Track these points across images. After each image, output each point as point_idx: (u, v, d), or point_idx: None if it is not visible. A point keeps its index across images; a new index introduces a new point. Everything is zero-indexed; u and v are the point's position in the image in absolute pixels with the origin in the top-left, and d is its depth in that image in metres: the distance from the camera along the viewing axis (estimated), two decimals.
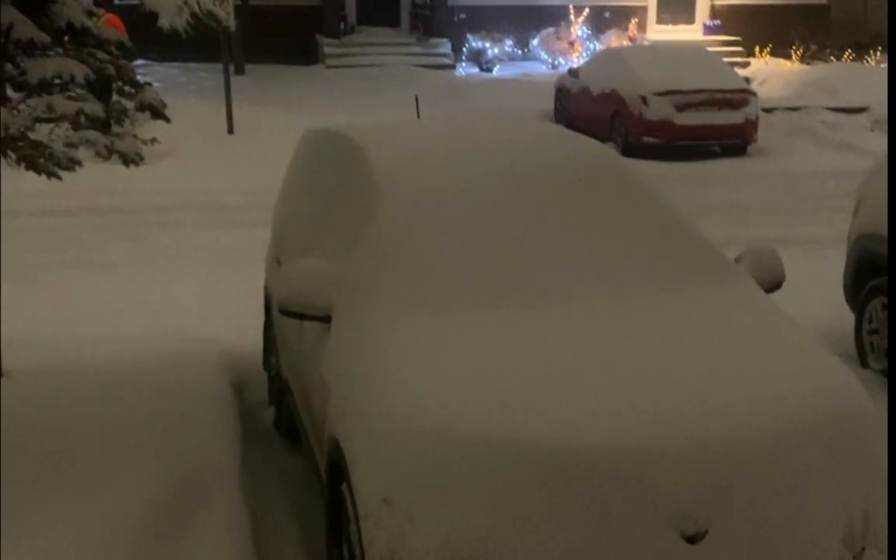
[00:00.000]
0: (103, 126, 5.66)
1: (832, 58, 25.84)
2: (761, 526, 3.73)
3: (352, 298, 4.59)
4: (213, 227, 12.01)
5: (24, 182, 6.86)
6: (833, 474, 3.90)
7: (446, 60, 24.68)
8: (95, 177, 7.84)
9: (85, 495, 4.99)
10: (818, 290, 8.36)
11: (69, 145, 5.72)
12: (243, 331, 7.67)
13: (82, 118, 5.57)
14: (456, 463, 3.66)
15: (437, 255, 4.69)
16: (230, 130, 16.96)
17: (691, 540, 3.63)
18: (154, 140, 6.21)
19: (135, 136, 5.96)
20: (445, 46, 25.11)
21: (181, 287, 9.53)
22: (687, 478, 3.65)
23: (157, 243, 11.35)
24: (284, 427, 6.31)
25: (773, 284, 5.06)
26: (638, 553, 3.60)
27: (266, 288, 6.80)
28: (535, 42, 25.89)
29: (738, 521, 3.70)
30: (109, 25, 5.91)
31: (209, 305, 8.82)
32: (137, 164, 5.92)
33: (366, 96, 19.61)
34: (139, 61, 17.82)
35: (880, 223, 7.41)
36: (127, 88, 5.92)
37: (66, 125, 5.71)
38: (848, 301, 7.87)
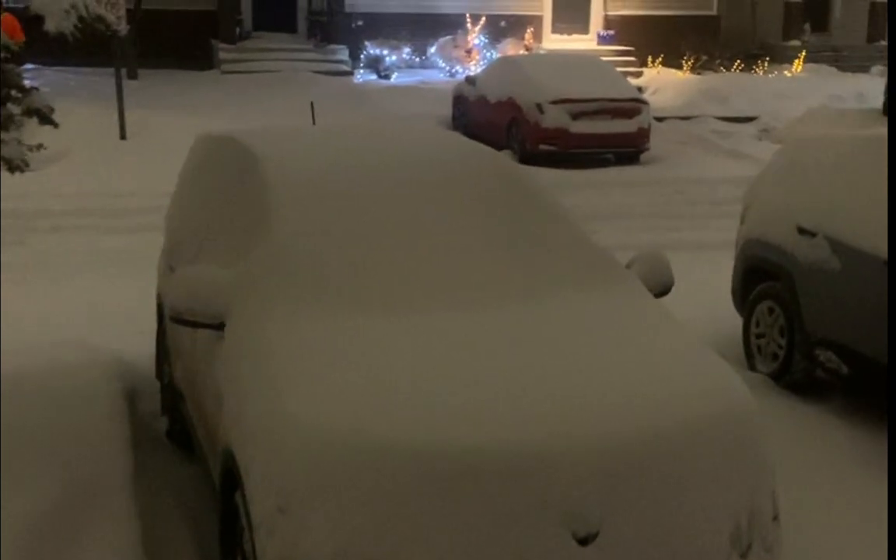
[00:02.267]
0: None
1: (722, 68, 26.46)
2: (651, 526, 3.81)
3: (245, 305, 4.56)
4: (105, 232, 11.79)
5: None
6: (720, 474, 4.01)
7: (344, 67, 24.58)
8: None
9: None
10: (707, 295, 8.55)
11: None
12: (136, 338, 7.54)
13: None
14: (348, 469, 3.66)
15: (330, 262, 4.69)
16: (123, 136, 16.66)
17: (583, 541, 3.69)
18: (40, 146, 6.07)
19: (19, 141, 5.82)
20: (343, 53, 25.01)
21: (71, 293, 9.33)
22: (577, 479, 3.71)
23: (48, 248, 11.10)
24: (178, 436, 6.22)
25: (662, 289, 5.17)
26: (530, 554, 3.65)
27: (159, 295, 6.70)
28: (432, 50, 25.96)
29: (629, 521, 3.78)
30: (5, 27, 5.77)
31: (100, 312, 8.65)
32: (22, 171, 5.78)
33: (262, 102, 19.44)
34: (28, 65, 17.38)
35: (766, 229, 7.63)
36: (13, 93, 5.78)
37: None
38: (736, 305, 8.07)
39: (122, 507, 5.15)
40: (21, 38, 5.67)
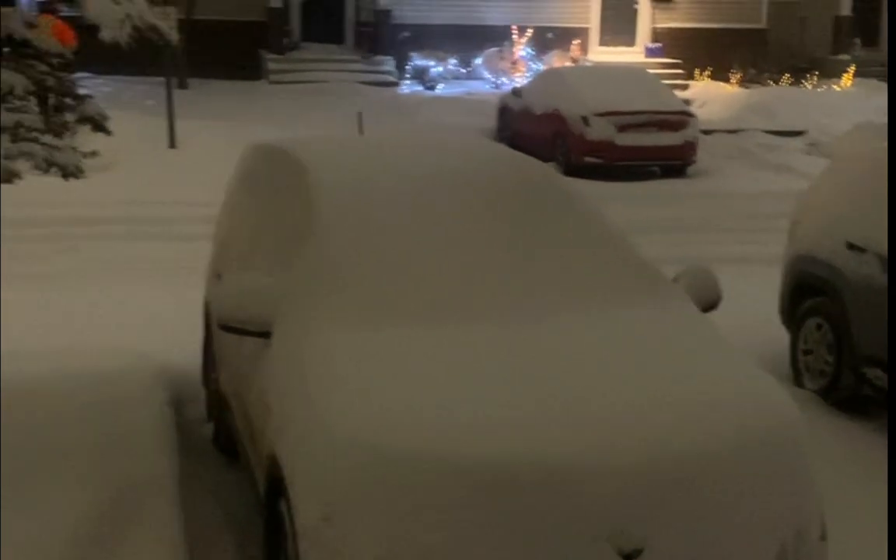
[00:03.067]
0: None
1: (770, 82, 26.26)
2: (696, 543, 3.79)
3: (292, 314, 4.59)
4: (155, 240, 11.90)
5: None
6: (766, 491, 3.97)
7: (390, 78, 24.69)
8: (33, 188, 7.72)
9: (19, 510, 4.93)
10: (754, 310, 8.47)
11: (8, 157, 5.64)
12: (183, 346, 7.59)
13: (21, 130, 5.50)
14: (391, 480, 3.68)
15: (377, 272, 4.71)
16: (172, 144, 16.84)
17: (628, 557, 3.68)
18: (94, 153, 6.13)
19: (74, 148, 5.89)
20: (389, 64, 25.13)
21: (121, 300, 9.42)
22: (622, 494, 3.70)
23: (98, 256, 11.21)
24: (223, 443, 6.27)
25: (709, 304, 5.14)
26: None
27: (206, 302, 6.75)
28: (478, 61, 25.98)
29: (674, 538, 3.76)
30: (56, 32, 5.84)
31: (149, 320, 8.73)
32: (77, 177, 5.85)
33: (309, 112, 19.55)
34: (81, 74, 17.59)
35: (815, 245, 7.55)
36: (67, 101, 5.85)
37: (4, 137, 5.62)
38: (784, 322, 7.99)
39: (168, 512, 5.19)
40: (73, 43, 5.74)
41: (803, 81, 26.53)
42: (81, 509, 4.98)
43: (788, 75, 26.41)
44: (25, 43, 5.58)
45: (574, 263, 4.94)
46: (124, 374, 6.97)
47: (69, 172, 5.73)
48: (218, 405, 6.27)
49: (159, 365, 7.34)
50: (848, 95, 25.02)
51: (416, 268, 4.75)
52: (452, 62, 25.63)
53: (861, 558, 5.10)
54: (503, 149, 6.57)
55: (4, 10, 5.68)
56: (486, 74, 25.68)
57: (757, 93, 24.45)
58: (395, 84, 24.49)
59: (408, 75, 25.05)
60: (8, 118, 5.44)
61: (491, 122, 20.02)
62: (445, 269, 4.75)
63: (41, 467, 5.38)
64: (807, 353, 7.62)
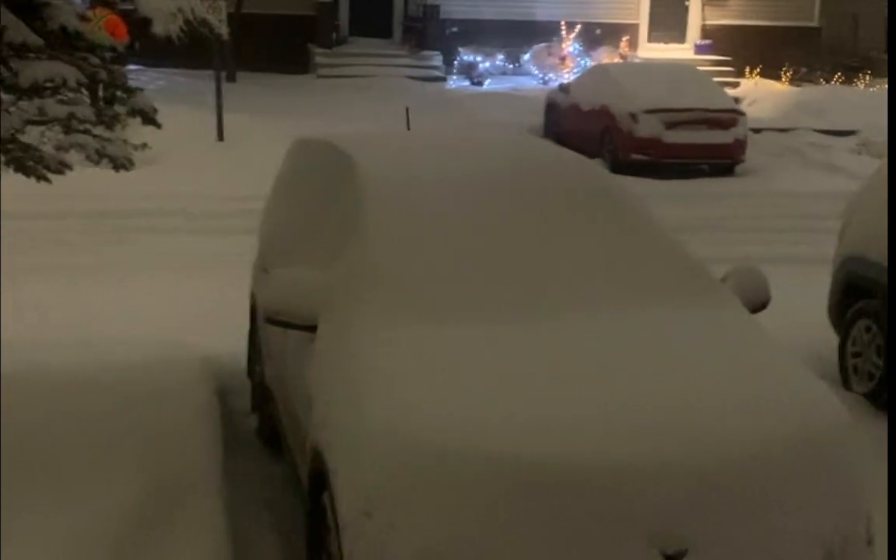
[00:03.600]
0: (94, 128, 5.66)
1: (822, 80, 25.96)
2: (741, 546, 3.75)
3: (337, 308, 4.60)
4: (201, 233, 12.00)
5: (11, 184, 6.85)
6: (813, 494, 3.92)
7: (437, 73, 24.72)
8: (84, 180, 7.82)
9: (63, 500, 4.98)
10: (803, 312, 8.39)
11: (59, 148, 5.71)
12: (228, 338, 7.66)
13: (73, 122, 5.56)
14: (436, 474, 3.67)
15: (423, 267, 4.71)
16: (220, 137, 16.95)
17: (671, 558, 3.65)
18: (144, 145, 6.20)
19: (125, 141, 5.95)
20: (437, 59, 25.15)
21: (167, 292, 9.52)
22: (667, 496, 3.67)
23: (144, 248, 11.33)
24: (267, 435, 6.31)
25: (758, 304, 5.08)
26: None
27: (252, 295, 6.80)
28: (526, 57, 25.94)
29: (719, 540, 3.72)
30: (110, 26, 5.90)
31: (195, 311, 8.81)
32: (128, 169, 5.91)
33: (356, 107, 19.62)
34: (131, 66, 17.81)
35: (866, 246, 7.46)
36: (118, 93, 5.91)
37: (56, 128, 5.70)
38: (832, 323, 7.90)
39: (212, 504, 5.23)
40: (125, 37, 5.80)
41: (855, 80, 26.21)
42: (127, 500, 5.03)
43: (840, 74, 26.10)
44: (78, 35, 5.64)
45: (620, 262, 4.91)
46: (170, 365, 7.04)
47: (119, 164, 5.80)
48: (262, 397, 6.31)
49: (205, 356, 7.40)
50: None
51: (463, 264, 4.74)
52: (500, 58, 25.61)
53: None
54: (550, 145, 6.54)
55: (58, 2, 5.74)
56: (534, 70, 25.63)
57: (807, 91, 24.19)
58: (443, 79, 24.52)
59: (455, 71, 25.06)
60: (60, 110, 5.50)
61: (538, 118, 19.97)
62: (492, 266, 4.74)
63: (87, 458, 5.43)
64: (855, 355, 7.53)
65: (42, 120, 5.66)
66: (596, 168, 5.88)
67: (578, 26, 25.74)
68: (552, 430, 3.75)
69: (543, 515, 3.62)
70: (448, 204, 5.10)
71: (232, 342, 7.47)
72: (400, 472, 3.72)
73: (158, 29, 5.26)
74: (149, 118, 5.98)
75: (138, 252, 11.17)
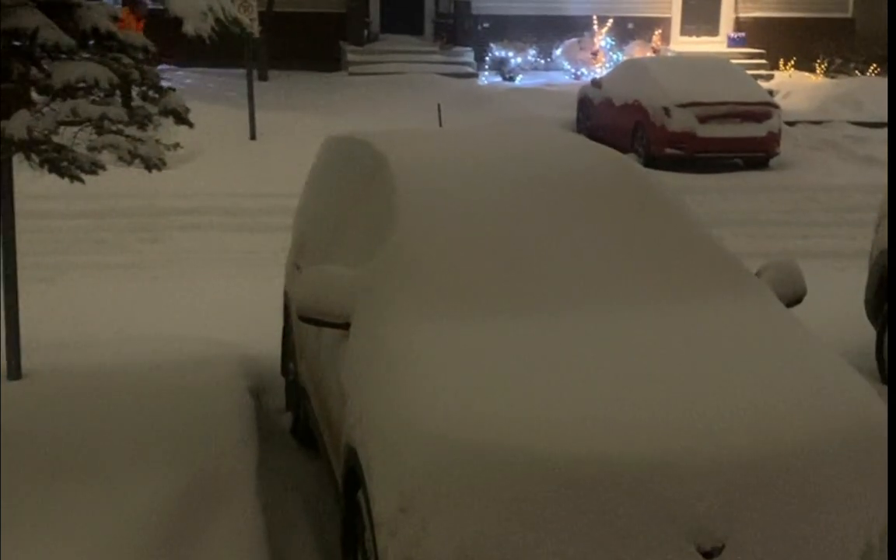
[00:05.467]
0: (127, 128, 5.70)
1: (857, 72, 25.69)
2: (778, 541, 3.71)
3: (371, 305, 4.60)
4: (235, 230, 12.06)
5: (46, 184, 6.92)
6: (852, 489, 3.87)
7: (469, 69, 24.67)
8: (118, 180, 7.89)
9: (103, 495, 5.04)
10: (839, 305, 8.32)
11: (92, 149, 5.75)
12: (262, 335, 7.69)
13: (106, 122, 5.59)
14: (471, 471, 3.65)
15: (457, 263, 4.69)
16: (253, 136, 17.02)
17: (708, 554, 3.62)
18: (177, 145, 6.23)
19: (158, 140, 5.98)
20: (468, 55, 25.11)
21: (202, 290, 9.57)
22: (704, 491, 3.64)
23: (179, 246, 11.40)
24: (301, 433, 6.32)
25: (793, 298, 5.04)
26: None
27: (286, 293, 6.81)
28: (557, 52, 25.85)
29: (756, 535, 3.68)
30: (125, 23, 5.93)
31: (229, 309, 8.85)
32: (160, 169, 5.94)
33: (388, 104, 19.63)
34: (163, 66, 17.90)
35: None
36: (150, 93, 5.94)
37: (89, 128, 5.73)
38: (869, 316, 7.83)
39: (247, 500, 5.25)
40: (139, 30, 5.83)
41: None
42: (163, 496, 5.06)
43: (875, 65, 25.81)
44: (110, 36, 5.67)
45: (656, 256, 4.87)
46: (206, 362, 7.07)
47: (152, 164, 5.83)
48: (296, 395, 6.32)
49: (240, 354, 7.43)
50: None
51: (497, 260, 4.72)
52: (532, 53, 25.54)
53: None
54: (582, 140, 6.51)
55: (89, 3, 5.78)
56: (566, 65, 25.54)
57: (842, 83, 23.94)
58: (475, 75, 24.46)
59: (487, 66, 25.01)
60: (93, 110, 5.53)
61: (571, 113, 19.91)
62: (527, 262, 4.72)
63: (124, 454, 5.47)
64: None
65: (75, 121, 5.70)
66: (629, 163, 5.83)
67: (610, 20, 25.63)
68: (589, 426, 3.73)
69: (580, 513, 3.59)
70: (481, 199, 5.09)
71: (266, 340, 7.50)
72: (435, 469, 3.70)
73: (189, 28, 5.27)
74: (181, 118, 6.01)
75: (173, 250, 11.25)
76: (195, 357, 7.17)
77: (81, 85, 5.40)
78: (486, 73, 24.85)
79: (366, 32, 25.54)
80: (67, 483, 5.11)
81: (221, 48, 6.65)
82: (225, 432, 5.93)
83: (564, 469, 3.62)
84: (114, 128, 5.63)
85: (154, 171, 6.06)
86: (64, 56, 5.43)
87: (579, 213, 5.05)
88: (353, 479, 4.23)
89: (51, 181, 6.37)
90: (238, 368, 7.10)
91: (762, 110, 17.12)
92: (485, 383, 3.95)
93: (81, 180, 6.00)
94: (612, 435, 3.71)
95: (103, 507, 4.92)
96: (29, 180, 7.23)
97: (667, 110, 16.72)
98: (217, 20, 5.41)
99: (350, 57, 24.53)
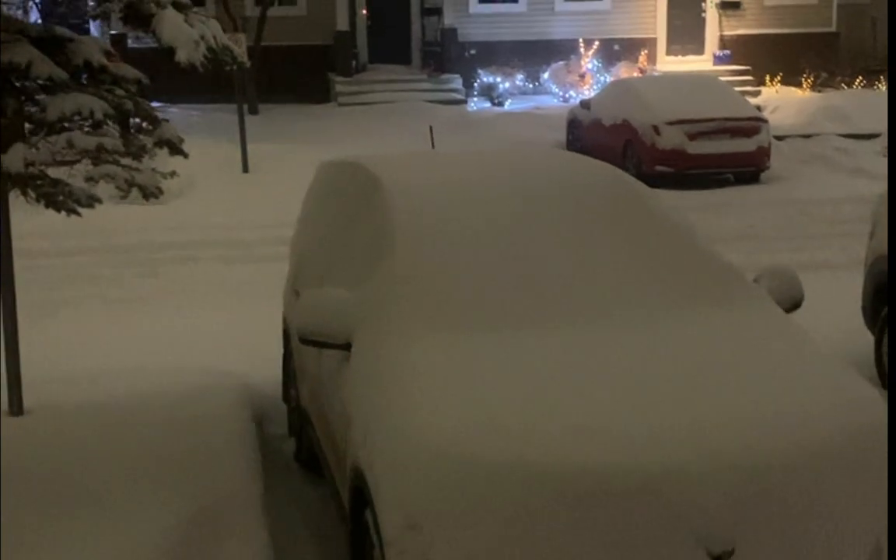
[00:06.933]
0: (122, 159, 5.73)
1: (843, 85, 25.83)
2: (788, 544, 3.72)
3: (371, 326, 4.60)
4: (230, 262, 12.06)
5: (39, 222, 6.92)
6: (859, 492, 3.89)
7: (457, 96, 24.77)
8: (114, 215, 7.94)
9: (106, 528, 5.02)
10: (835, 314, 8.33)
11: (90, 180, 5.77)
12: (262, 364, 7.68)
13: (102, 153, 5.62)
14: (479, 487, 3.66)
15: (456, 280, 4.71)
16: (245, 169, 17.05)
17: (717, 559, 3.62)
18: (173, 173, 6.26)
19: (153, 169, 6.00)
20: (456, 82, 25.21)
21: (201, 321, 9.55)
22: (712, 496, 3.65)
23: (175, 279, 11.39)
24: (305, 458, 6.31)
25: (791, 304, 5.05)
26: None
27: (284, 320, 6.82)
28: (545, 75, 25.97)
29: (765, 539, 3.69)
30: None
31: (228, 339, 8.84)
32: (157, 197, 5.96)
33: (378, 132, 19.68)
34: (154, 103, 17.95)
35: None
36: (145, 125, 5.97)
37: (85, 161, 5.76)
38: (867, 323, 7.85)
39: (253, 527, 5.23)
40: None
41: (876, 83, 26.08)
42: (167, 529, 5.04)
43: (861, 78, 25.97)
44: (103, 69, 5.71)
45: (654, 267, 4.89)
46: (208, 392, 7.06)
47: (149, 193, 5.85)
48: (299, 420, 6.31)
49: (241, 383, 7.43)
50: None
51: (496, 275, 4.73)
52: (520, 78, 25.65)
53: None
54: (578, 156, 6.51)
55: (81, 38, 5.82)
56: (554, 89, 25.65)
57: (829, 96, 24.05)
58: (463, 102, 24.56)
59: (475, 93, 25.11)
60: (89, 141, 5.55)
61: (560, 135, 19.97)
62: (526, 276, 4.73)
63: (127, 487, 5.46)
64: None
65: (70, 160, 5.73)
66: (623, 175, 5.86)
67: (596, 43, 25.76)
68: (594, 438, 3.74)
69: (589, 524, 3.60)
70: (478, 217, 5.11)
71: (266, 368, 7.49)
72: (440, 485, 3.71)
73: (182, 56, 5.29)
74: (176, 148, 6.04)
75: (171, 283, 11.23)
76: (196, 388, 7.16)
77: (77, 117, 5.42)
78: (475, 99, 24.94)
79: (354, 63, 25.65)
80: (69, 518, 5.10)
81: (211, 83, 6.70)
82: (229, 461, 5.92)
83: (571, 482, 3.63)
84: (110, 159, 5.65)
85: (148, 207, 6.09)
86: (59, 90, 5.45)
87: (576, 226, 5.08)
88: (360, 499, 4.22)
89: (44, 219, 6.40)
90: (240, 397, 7.09)
91: (751, 125, 17.18)
92: (488, 399, 3.96)
93: (78, 213, 6.01)
94: (617, 445, 3.72)
95: (105, 541, 4.91)
96: (22, 219, 7.22)
97: (656, 128, 16.77)
98: (209, 49, 5.45)
99: (339, 88, 24.62)
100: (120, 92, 5.77)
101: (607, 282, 4.76)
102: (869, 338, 7.74)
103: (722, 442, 3.74)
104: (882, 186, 8.84)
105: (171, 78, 5.74)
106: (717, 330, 4.51)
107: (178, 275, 11.57)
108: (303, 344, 4.89)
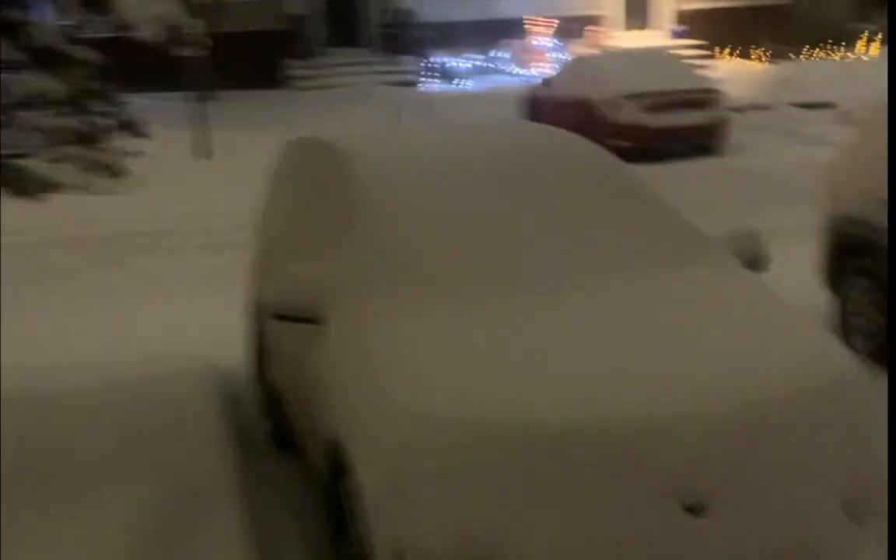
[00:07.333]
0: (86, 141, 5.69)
1: (797, 56, 26.07)
2: (762, 496, 3.78)
3: (346, 297, 4.62)
4: (198, 249, 12.00)
5: (5, 215, 6.87)
6: (830, 442, 3.95)
7: (415, 77, 24.77)
8: (76, 207, 7.84)
9: (81, 515, 5.01)
10: (796, 277, 8.40)
11: (54, 161, 5.73)
12: (234, 347, 7.65)
13: (63, 134, 5.58)
14: (458, 448, 3.69)
15: (430, 251, 4.73)
16: (205, 155, 16.97)
17: (690, 510, 3.67)
18: (140, 152, 6.20)
19: (116, 150, 5.97)
20: (413, 63, 25.21)
21: (168, 310, 9.50)
22: (686, 451, 3.70)
23: (142, 268, 11.32)
24: (279, 437, 6.30)
25: (756, 264, 5.13)
26: (641, 525, 3.64)
27: (252, 301, 6.79)
28: (503, 55, 26.02)
29: (739, 491, 3.74)
30: None
31: (197, 325, 8.79)
32: (125, 177, 5.92)
33: (337, 115, 19.62)
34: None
35: (852, 205, 7.47)
36: (108, 108, 5.93)
37: (49, 145, 5.72)
38: (828, 285, 7.91)
39: (232, 506, 5.24)
40: None
41: (830, 53, 26.33)
42: (143, 515, 5.04)
43: (814, 48, 26.21)
44: (63, 53, 5.67)
45: (624, 230, 4.95)
46: (180, 376, 7.05)
47: (115, 172, 5.81)
48: (273, 401, 6.30)
49: (213, 368, 7.40)
50: (875, 65, 24.77)
51: (467, 242, 4.76)
52: (476, 57, 25.66)
53: None
54: (545, 126, 6.53)
55: (40, 23, 5.78)
56: (512, 68, 25.68)
57: (784, 68, 24.30)
58: (421, 83, 24.55)
59: (432, 74, 25.10)
60: (48, 123, 5.52)
61: (517, 114, 20.02)
62: (494, 242, 4.77)
63: (104, 472, 5.45)
64: (855, 314, 7.54)
65: (34, 144, 5.68)
66: (587, 142, 5.90)
67: (554, 21, 25.82)
68: (569, 397, 3.78)
69: (566, 481, 3.64)
70: (447, 186, 5.14)
71: (238, 351, 7.47)
72: (422, 448, 3.74)
73: (144, 33, 5.28)
74: (139, 130, 6.01)
75: (136, 272, 11.16)
76: (169, 373, 7.14)
77: (39, 98, 5.38)
78: (433, 80, 24.94)
79: (310, 48, 25.54)
80: (43, 507, 5.09)
81: (165, 72, 6.66)
82: (204, 444, 5.92)
83: (549, 439, 3.67)
84: (74, 139, 5.62)
85: (111, 198, 6.04)
86: (23, 72, 5.41)
87: (545, 192, 5.12)
88: (338, 470, 4.23)
89: (12, 210, 6.32)
90: (212, 380, 7.07)
91: (706, 97, 17.38)
92: (465, 361, 3.99)
93: (42, 199, 5.96)
94: (593, 403, 3.76)
95: (80, 528, 4.91)
96: None
97: (613, 103, 16.88)
98: (173, 26, 5.43)
99: (296, 73, 24.58)
100: (81, 72, 5.73)
101: (580, 245, 4.80)
102: (825, 299, 7.79)
103: (694, 398, 3.79)
104: (837, 154, 8.91)
105: (127, 68, 5.70)
106: (688, 288, 4.57)
107: (145, 264, 11.51)
108: (277, 320, 4.88)
